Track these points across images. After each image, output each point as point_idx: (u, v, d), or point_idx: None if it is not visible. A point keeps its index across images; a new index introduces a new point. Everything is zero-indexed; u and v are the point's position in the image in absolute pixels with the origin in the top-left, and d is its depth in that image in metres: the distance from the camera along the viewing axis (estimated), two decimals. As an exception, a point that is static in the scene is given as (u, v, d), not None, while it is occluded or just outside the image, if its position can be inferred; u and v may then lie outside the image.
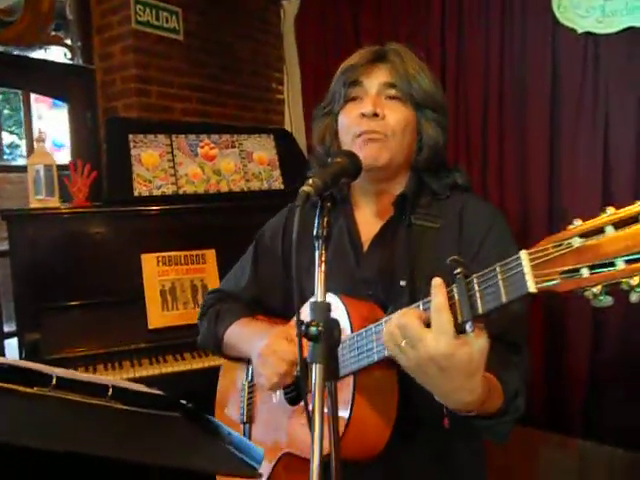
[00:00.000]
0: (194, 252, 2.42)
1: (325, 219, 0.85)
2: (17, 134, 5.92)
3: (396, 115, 1.06)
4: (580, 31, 2.39)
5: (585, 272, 0.62)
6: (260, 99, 3.40)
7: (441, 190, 1.10)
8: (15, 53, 2.61)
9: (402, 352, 0.77)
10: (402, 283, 1.02)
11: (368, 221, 1.14)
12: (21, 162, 5.73)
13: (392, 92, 1.08)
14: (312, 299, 0.81)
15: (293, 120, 3.49)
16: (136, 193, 2.46)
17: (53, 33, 2.73)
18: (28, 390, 0.69)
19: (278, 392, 1.13)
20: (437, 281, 0.75)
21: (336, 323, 0.79)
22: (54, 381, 0.70)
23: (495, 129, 2.67)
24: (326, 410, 0.76)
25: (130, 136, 2.54)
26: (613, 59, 2.34)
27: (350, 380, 0.92)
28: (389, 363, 0.89)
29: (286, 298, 1.24)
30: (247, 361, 1.24)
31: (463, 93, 2.76)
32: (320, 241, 0.84)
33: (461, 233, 1.05)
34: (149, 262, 2.34)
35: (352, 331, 0.93)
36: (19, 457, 0.74)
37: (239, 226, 2.40)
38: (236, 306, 1.28)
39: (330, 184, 0.86)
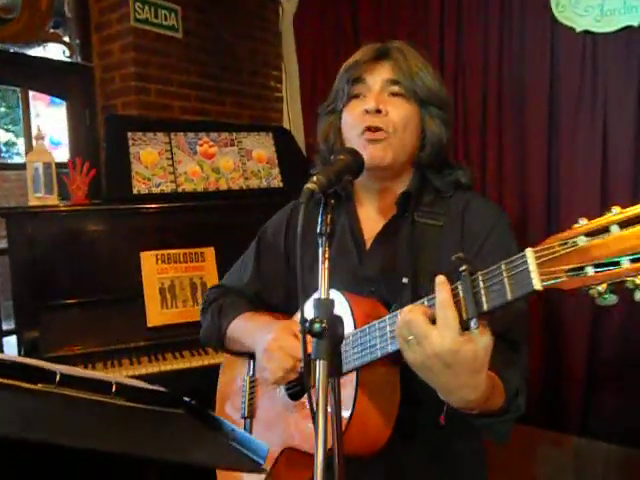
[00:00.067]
0: (193, 250, 2.42)
1: (329, 216, 0.85)
2: (13, 132, 5.90)
3: (399, 111, 1.07)
4: (578, 30, 2.40)
5: (590, 270, 0.62)
6: (258, 97, 3.40)
7: (444, 188, 1.11)
8: (14, 51, 2.60)
9: (409, 348, 0.77)
10: (404, 280, 1.02)
11: (371, 218, 1.15)
12: (17, 160, 5.73)
13: (395, 89, 1.08)
14: (316, 296, 0.81)
15: (291, 118, 3.50)
16: (135, 191, 2.46)
17: (52, 31, 2.72)
18: (32, 387, 0.69)
19: (280, 387, 1.13)
20: (440, 278, 0.76)
21: (340, 320, 0.80)
22: (58, 378, 0.70)
23: (494, 127, 2.68)
24: (329, 406, 0.76)
25: (129, 134, 2.54)
26: (611, 58, 2.35)
27: (353, 376, 0.93)
28: (392, 360, 0.90)
29: (288, 294, 1.24)
30: (249, 356, 1.24)
31: (462, 91, 2.77)
32: (324, 238, 0.84)
33: (463, 232, 1.06)
34: (148, 260, 2.34)
35: (355, 328, 0.94)
36: (24, 452, 0.74)
37: (238, 224, 2.41)
38: (239, 300, 1.29)
39: (334, 181, 0.86)
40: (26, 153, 2.59)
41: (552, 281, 0.65)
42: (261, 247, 1.31)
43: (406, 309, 0.78)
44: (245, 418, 1.19)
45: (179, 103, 2.95)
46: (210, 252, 2.44)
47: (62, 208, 2.32)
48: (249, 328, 1.20)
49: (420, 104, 1.09)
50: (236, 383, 1.29)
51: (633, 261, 0.59)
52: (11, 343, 2.42)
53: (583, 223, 0.64)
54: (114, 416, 0.73)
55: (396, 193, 1.11)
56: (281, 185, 2.83)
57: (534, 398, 2.53)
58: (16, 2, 2.54)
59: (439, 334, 0.73)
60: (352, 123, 1.09)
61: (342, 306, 0.94)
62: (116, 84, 2.82)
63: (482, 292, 0.72)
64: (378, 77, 1.08)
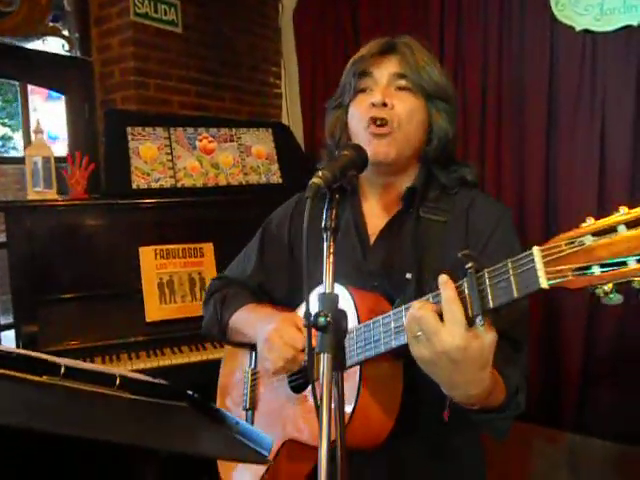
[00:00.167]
0: (192, 245, 2.43)
1: (333, 211, 0.86)
2: (10, 126, 5.87)
3: (405, 105, 1.07)
4: (578, 29, 2.41)
5: (597, 270, 0.62)
6: (258, 93, 3.40)
7: (450, 183, 1.11)
8: (13, 44, 2.59)
9: (418, 343, 0.78)
10: (408, 276, 1.03)
11: (375, 214, 1.15)
12: (14, 154, 5.70)
13: (402, 83, 1.08)
14: (320, 290, 0.82)
15: (290, 114, 3.50)
16: (134, 186, 2.46)
17: (51, 24, 2.71)
18: (37, 379, 0.69)
19: (282, 380, 1.14)
20: (444, 278, 0.76)
21: (344, 314, 0.80)
22: (63, 370, 0.70)
23: (493, 125, 2.69)
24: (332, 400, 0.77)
25: (128, 129, 2.54)
26: (610, 57, 2.35)
27: (356, 371, 0.93)
28: (395, 355, 0.91)
29: (292, 286, 1.24)
30: (250, 348, 1.25)
31: (461, 90, 2.77)
32: (328, 233, 0.85)
33: (468, 229, 1.06)
34: (147, 255, 2.34)
35: (359, 322, 0.94)
36: (29, 442, 0.75)
37: (237, 220, 2.41)
38: (242, 292, 1.29)
39: (339, 177, 0.87)
40: (24, 147, 2.58)
41: (558, 280, 0.65)
42: (265, 239, 1.31)
43: (416, 305, 0.78)
44: (247, 410, 1.20)
45: (178, 98, 2.94)
46: (209, 247, 2.44)
47: (61, 202, 2.32)
48: (251, 319, 1.20)
49: (427, 98, 1.09)
50: (237, 375, 1.29)
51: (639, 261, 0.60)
52: (9, 337, 2.42)
53: (590, 222, 0.64)
54: (118, 408, 0.74)
55: (401, 188, 1.11)
56: (280, 181, 2.83)
57: (530, 395, 2.54)
58: (15, -5, 2.53)
59: (448, 331, 0.74)
60: (358, 117, 1.09)
61: (345, 300, 0.95)
62: (115, 78, 2.81)
63: (488, 289, 0.72)
64: (385, 71, 1.08)
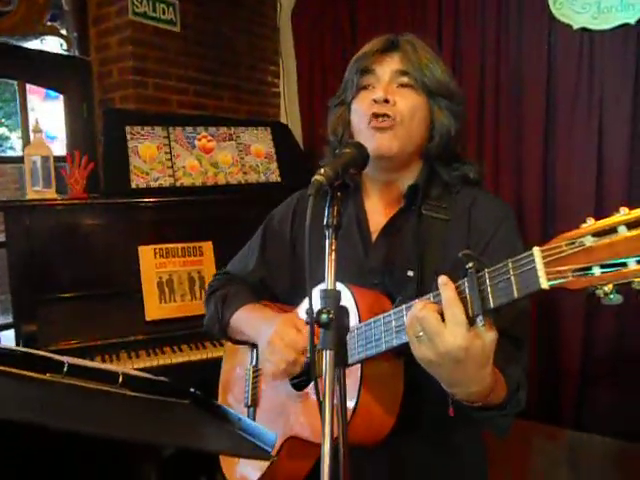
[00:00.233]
0: (191, 244, 2.43)
1: (335, 208, 0.86)
2: (7, 126, 5.86)
3: (407, 102, 1.07)
4: (576, 27, 2.42)
5: (597, 271, 0.62)
6: (256, 92, 3.40)
7: (452, 181, 1.11)
8: (11, 43, 2.59)
9: (420, 343, 0.78)
10: (410, 273, 1.03)
11: (378, 211, 1.15)
12: (10, 154, 5.68)
13: (404, 80, 1.08)
14: (322, 287, 0.82)
15: (289, 113, 3.50)
16: (133, 185, 2.46)
17: (49, 23, 2.71)
18: (41, 376, 0.70)
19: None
20: (443, 279, 0.77)
21: (346, 311, 0.81)
22: (66, 368, 0.71)
23: (491, 124, 2.69)
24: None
25: (127, 128, 2.54)
26: (608, 55, 2.37)
27: (357, 368, 0.94)
28: (396, 354, 0.91)
29: (293, 282, 1.25)
30: (251, 345, 1.25)
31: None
32: (330, 230, 0.85)
33: (470, 228, 1.06)
34: (146, 254, 2.34)
35: (360, 320, 0.94)
36: (29, 442, 0.75)
37: (236, 218, 2.42)
38: (243, 290, 1.29)
39: (340, 174, 0.87)
40: (23, 146, 2.58)
41: (558, 280, 0.65)
42: (267, 235, 1.31)
43: (418, 306, 0.78)
44: (248, 407, 1.20)
45: (177, 97, 2.94)
46: (208, 246, 2.45)
47: (60, 202, 2.31)
48: (251, 320, 1.20)
49: (429, 95, 1.09)
50: (239, 371, 1.29)
51: None
52: (8, 337, 2.42)
53: (590, 223, 0.64)
54: (120, 405, 0.74)
55: (403, 185, 1.12)
56: (279, 180, 2.83)
57: (530, 392, 2.55)
58: (13, -6, 2.53)
59: (450, 331, 0.74)
60: (360, 113, 1.09)
61: (346, 298, 0.95)
62: (114, 78, 2.81)
63: (488, 289, 0.72)
64: (387, 68, 1.09)
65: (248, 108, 3.33)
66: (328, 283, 0.81)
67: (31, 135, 2.44)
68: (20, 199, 2.35)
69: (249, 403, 1.20)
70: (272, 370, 1.06)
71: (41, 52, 2.72)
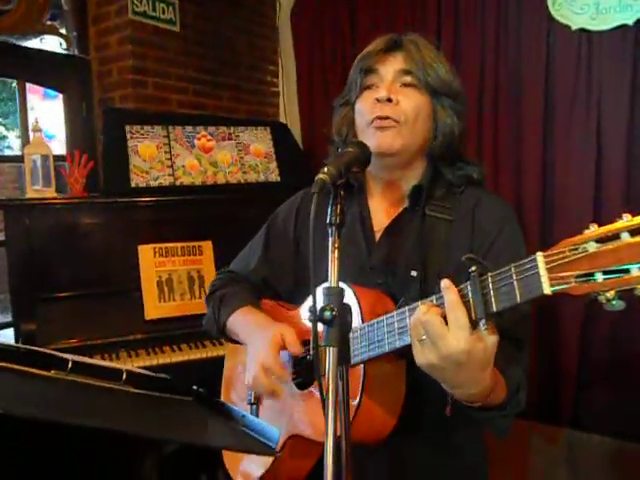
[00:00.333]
0: (191, 243, 2.43)
1: (338, 207, 0.86)
2: (5, 125, 5.84)
3: (410, 101, 1.07)
4: (574, 28, 2.42)
5: (600, 277, 0.62)
6: (255, 91, 3.40)
7: (456, 181, 1.11)
8: (10, 42, 2.59)
9: (422, 347, 0.79)
10: (413, 273, 1.03)
11: (381, 210, 1.15)
12: (8, 153, 5.67)
13: (408, 79, 1.08)
14: (325, 284, 0.82)
15: (288, 113, 3.50)
16: (133, 184, 2.46)
17: (49, 23, 2.71)
18: (46, 373, 0.70)
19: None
20: (446, 282, 0.77)
21: (349, 308, 0.81)
22: (70, 365, 0.71)
23: (490, 124, 2.70)
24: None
25: (127, 127, 2.54)
26: (606, 56, 2.37)
27: (360, 368, 0.94)
28: (398, 355, 0.91)
29: (296, 281, 1.25)
30: None
31: (458, 88, 2.78)
32: (333, 228, 0.85)
33: (474, 229, 1.06)
34: (146, 253, 2.34)
35: (362, 320, 0.95)
36: (29, 442, 0.75)
37: (236, 218, 2.43)
38: (242, 290, 1.28)
39: (343, 173, 0.87)
40: (23, 145, 2.57)
41: (561, 286, 0.65)
42: (270, 233, 1.31)
43: (422, 309, 0.79)
44: (251, 404, 1.20)
45: (176, 96, 2.94)
46: (208, 246, 2.45)
47: (60, 201, 2.32)
48: (244, 326, 1.20)
49: (432, 95, 1.09)
50: (241, 369, 1.29)
51: None
52: (8, 336, 2.42)
53: (593, 229, 0.64)
54: (124, 401, 0.75)
55: (407, 184, 1.12)
56: (278, 179, 2.84)
57: (529, 392, 2.56)
58: (13, -7, 2.53)
59: (453, 335, 0.74)
60: (364, 113, 1.09)
61: (349, 298, 0.95)
62: (113, 77, 2.81)
63: (491, 294, 0.73)
64: (390, 67, 1.09)
65: (247, 108, 3.34)
66: (331, 281, 0.81)
67: (30, 134, 2.44)
68: (20, 198, 2.34)
69: (252, 401, 1.20)
70: (251, 385, 1.09)
71: (41, 51, 2.72)
